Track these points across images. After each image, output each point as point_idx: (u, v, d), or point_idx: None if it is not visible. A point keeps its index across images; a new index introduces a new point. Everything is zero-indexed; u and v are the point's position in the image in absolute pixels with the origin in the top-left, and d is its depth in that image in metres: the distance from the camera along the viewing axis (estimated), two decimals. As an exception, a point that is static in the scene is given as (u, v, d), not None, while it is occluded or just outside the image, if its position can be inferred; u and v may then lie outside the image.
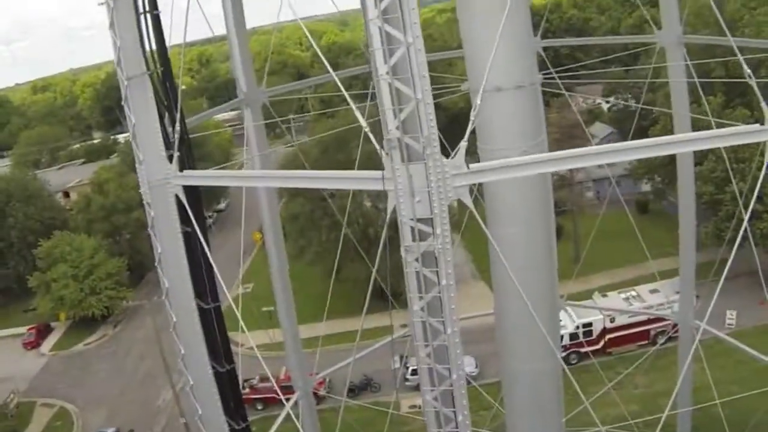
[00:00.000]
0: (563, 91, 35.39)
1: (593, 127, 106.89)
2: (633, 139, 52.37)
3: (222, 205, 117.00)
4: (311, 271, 73.55)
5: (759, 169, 14.24)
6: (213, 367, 19.87)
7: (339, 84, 15.76)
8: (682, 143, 14.45)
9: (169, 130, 17.60)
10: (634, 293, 65.17)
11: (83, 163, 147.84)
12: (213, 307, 19.51)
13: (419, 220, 14.14)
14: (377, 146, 13.81)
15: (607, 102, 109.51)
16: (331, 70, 17.11)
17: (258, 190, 27.03)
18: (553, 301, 23.85)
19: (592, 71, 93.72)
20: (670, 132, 35.51)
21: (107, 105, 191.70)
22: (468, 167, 14.16)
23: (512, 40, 19.44)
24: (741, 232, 15.94)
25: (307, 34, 16.76)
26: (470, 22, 20.09)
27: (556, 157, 14.76)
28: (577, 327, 63.69)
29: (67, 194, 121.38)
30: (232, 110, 31.60)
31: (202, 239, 18.00)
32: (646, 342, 62.99)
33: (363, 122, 13.90)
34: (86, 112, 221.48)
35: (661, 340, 57.13)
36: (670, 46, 28.93)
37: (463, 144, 14.07)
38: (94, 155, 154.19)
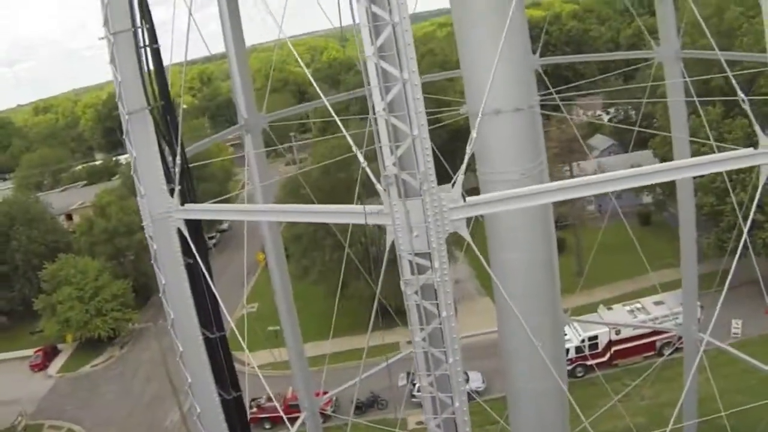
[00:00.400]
0: (561, 112, 35.26)
1: (593, 139, 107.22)
2: (633, 150, 53.02)
3: (225, 225, 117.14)
4: (315, 290, 73.78)
5: (759, 178, 14.34)
6: (219, 395, 20.00)
7: (331, 110, 15.91)
8: (677, 170, 14.58)
9: (170, 162, 17.75)
10: (638, 305, 65.26)
11: (85, 185, 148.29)
12: (218, 336, 19.63)
13: (417, 254, 14.26)
14: (375, 181, 13.95)
15: (608, 113, 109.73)
16: (323, 97, 17.28)
17: (256, 188, 27.17)
18: (557, 321, 23.90)
19: (592, 79, 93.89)
20: (670, 144, 35.65)
21: (109, 126, 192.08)
22: (465, 200, 14.28)
23: (511, 63, 19.61)
24: (741, 243, 15.93)
25: (295, 54, 16.86)
26: (468, 45, 20.27)
27: (553, 188, 14.86)
28: (583, 340, 63.79)
29: (69, 217, 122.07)
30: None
31: (204, 270, 18.12)
32: (653, 353, 63.17)
33: (360, 157, 14.07)
34: (88, 133, 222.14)
35: (667, 351, 57.35)
36: (668, 61, 29.17)
37: (460, 177, 14.22)
38: (96, 177, 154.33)
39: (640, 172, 14.49)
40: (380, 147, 13.65)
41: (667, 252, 66.08)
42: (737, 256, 16.22)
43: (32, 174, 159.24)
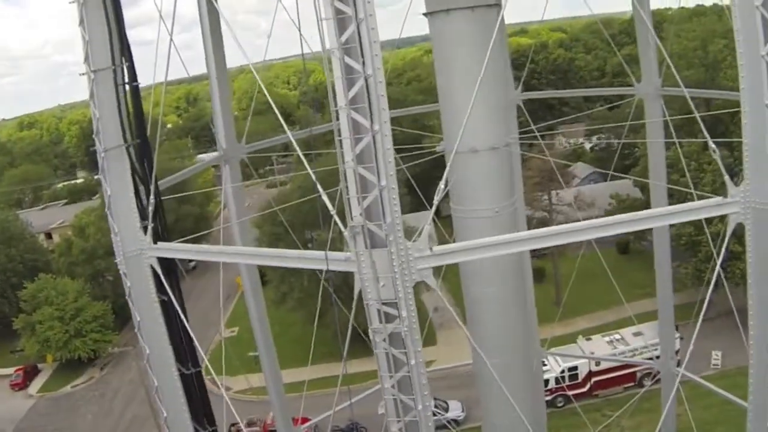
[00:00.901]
0: (544, 142, 35.42)
1: (575, 167, 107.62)
2: (613, 178, 53.30)
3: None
4: (294, 316, 73.85)
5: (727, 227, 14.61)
6: (196, 429, 20.05)
7: (297, 148, 16.04)
8: (644, 220, 14.78)
9: (145, 200, 17.84)
10: (618, 336, 65.47)
11: (66, 203, 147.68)
12: (193, 372, 19.70)
13: (385, 303, 14.35)
14: (342, 228, 14.06)
15: (590, 142, 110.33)
16: (290, 134, 17.26)
17: (234, 238, 27.20)
18: (529, 356, 24.17)
19: (575, 115, 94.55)
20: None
21: (93, 144, 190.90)
22: (432, 249, 14.41)
23: (488, 102, 19.94)
24: (715, 274, 16.07)
25: (259, 80, 16.83)
26: (446, 84, 20.55)
27: (522, 237, 15.15)
28: (563, 371, 63.93)
29: (49, 235, 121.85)
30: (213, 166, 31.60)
31: (178, 308, 18.20)
32: (633, 384, 63.41)
33: (327, 202, 14.15)
34: (72, 150, 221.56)
35: (647, 382, 57.48)
36: (648, 98, 29.34)
37: (427, 227, 14.35)
38: (77, 195, 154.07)
39: (606, 222, 14.71)
40: (347, 198, 13.77)
41: (646, 281, 66.04)
42: (711, 287, 16.28)
43: (13, 191, 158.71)
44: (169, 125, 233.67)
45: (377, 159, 13.48)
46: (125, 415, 75.82)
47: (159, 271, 17.99)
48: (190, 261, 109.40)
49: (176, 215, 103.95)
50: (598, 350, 64.29)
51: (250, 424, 66.47)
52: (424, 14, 20.72)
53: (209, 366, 21.42)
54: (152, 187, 17.50)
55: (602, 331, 68.77)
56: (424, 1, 20.60)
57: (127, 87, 17.25)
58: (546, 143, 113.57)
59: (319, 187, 14.60)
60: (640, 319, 60.43)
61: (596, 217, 61.49)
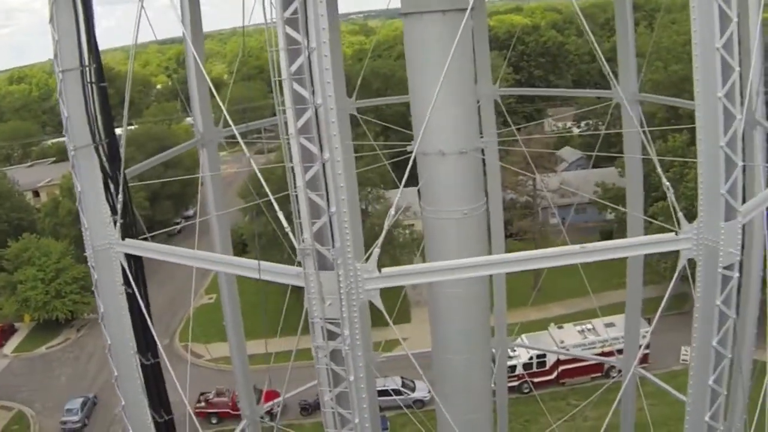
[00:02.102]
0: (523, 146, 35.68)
1: (563, 151, 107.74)
2: (602, 164, 53.64)
3: (190, 212, 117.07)
4: (274, 288, 73.92)
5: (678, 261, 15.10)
6: (153, 418, 20.38)
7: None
8: (598, 252, 15.15)
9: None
10: (589, 326, 65.92)
11: (54, 161, 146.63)
12: (152, 363, 20.03)
13: (329, 321, 14.65)
14: (294, 244, 14.32)
15: (578, 126, 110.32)
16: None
17: (212, 226, 27.43)
18: (488, 354, 24.65)
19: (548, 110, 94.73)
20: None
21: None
22: (380, 271, 14.68)
23: (457, 107, 20.25)
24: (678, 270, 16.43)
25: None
26: (417, 87, 20.87)
27: (474, 263, 15.49)
28: (531, 357, 64.42)
29: (36, 193, 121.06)
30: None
31: (141, 303, 18.49)
32: (600, 374, 63.91)
33: (286, 224, 14.40)
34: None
35: (614, 373, 58.02)
36: (626, 102, 29.51)
37: (377, 250, 14.60)
38: (66, 154, 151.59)
39: (556, 253, 15.18)
40: (299, 222, 14.02)
41: (626, 271, 66.81)
42: (672, 283, 16.58)
43: (1, 147, 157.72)
44: (158, 86, 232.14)
45: (327, 186, 13.70)
46: (98, 378, 75.89)
47: (125, 265, 18.27)
48: (176, 224, 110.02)
49: (163, 182, 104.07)
50: (569, 339, 64.87)
51: (219, 394, 66.89)
52: (401, 14, 20.99)
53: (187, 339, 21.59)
54: (120, 186, 17.70)
55: (576, 318, 69.30)
56: (401, 3, 20.86)
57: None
58: (536, 119, 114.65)
59: (275, 205, 14.86)
60: (616, 309, 61.04)
61: (579, 204, 62.12)
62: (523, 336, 62.73)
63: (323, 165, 13.53)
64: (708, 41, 13.56)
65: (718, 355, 15.33)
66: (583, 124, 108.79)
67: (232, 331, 29.15)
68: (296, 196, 13.89)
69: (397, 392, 59.04)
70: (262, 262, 15.24)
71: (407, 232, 74.66)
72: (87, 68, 17.07)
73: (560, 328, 67.64)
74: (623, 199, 75.54)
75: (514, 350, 60.87)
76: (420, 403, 61.78)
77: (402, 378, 62.07)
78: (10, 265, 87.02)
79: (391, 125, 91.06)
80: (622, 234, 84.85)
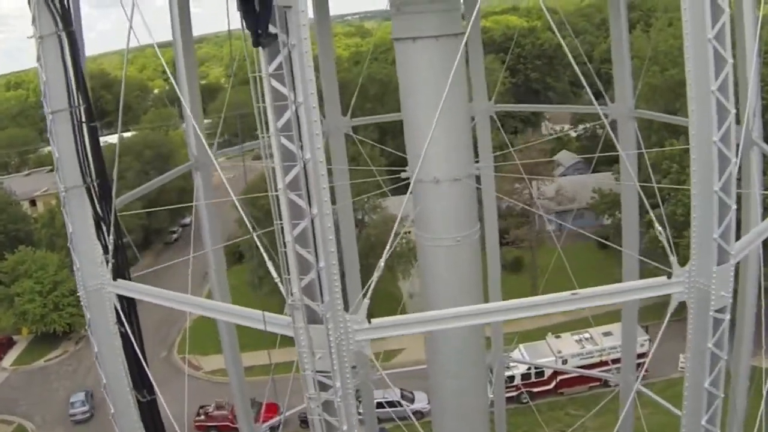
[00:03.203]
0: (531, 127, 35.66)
1: (560, 155, 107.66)
2: (596, 168, 53.62)
3: (187, 220, 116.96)
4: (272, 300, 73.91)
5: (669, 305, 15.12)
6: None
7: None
8: (589, 298, 15.12)
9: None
10: (587, 335, 65.80)
11: (51, 170, 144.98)
12: (149, 399, 19.94)
13: (320, 372, 14.56)
14: (286, 295, 14.22)
15: (575, 131, 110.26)
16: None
17: (202, 223, 27.25)
18: (483, 370, 24.69)
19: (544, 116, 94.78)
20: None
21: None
22: (370, 322, 14.61)
23: (452, 134, 20.23)
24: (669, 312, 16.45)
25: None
26: (412, 112, 20.90)
27: (468, 313, 15.48)
28: (529, 368, 64.28)
29: (33, 203, 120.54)
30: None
31: (134, 343, 18.41)
32: (598, 384, 63.75)
33: (275, 275, 14.30)
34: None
35: (613, 383, 57.93)
36: (622, 119, 29.44)
37: (366, 301, 14.52)
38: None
39: (549, 300, 15.20)
40: (287, 278, 13.94)
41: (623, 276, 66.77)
42: (665, 322, 16.47)
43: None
44: (155, 90, 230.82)
45: (316, 242, 13.62)
46: (97, 392, 75.59)
47: (118, 306, 18.17)
48: (173, 233, 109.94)
49: (160, 188, 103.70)
50: (567, 349, 64.84)
51: (218, 407, 66.85)
52: (393, 39, 20.95)
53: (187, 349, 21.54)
54: (111, 227, 17.58)
55: (575, 325, 68.84)
56: (393, 29, 20.83)
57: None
58: (534, 122, 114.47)
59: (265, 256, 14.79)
60: (614, 315, 60.93)
61: (577, 210, 61.96)
62: (521, 346, 62.77)
63: (312, 221, 13.45)
64: (703, 83, 13.38)
65: (711, 395, 15.26)
66: (580, 127, 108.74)
67: (227, 345, 28.97)
68: (284, 251, 13.80)
69: (396, 404, 59.01)
70: (252, 311, 15.16)
71: (404, 241, 74.61)
72: (76, 108, 16.96)
73: (558, 337, 67.51)
74: (620, 205, 75.66)
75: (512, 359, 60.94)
76: (419, 414, 61.69)
77: (401, 389, 62.05)
78: (7, 277, 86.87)
79: (388, 133, 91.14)
80: (619, 239, 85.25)
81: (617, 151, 19.75)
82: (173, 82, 20.21)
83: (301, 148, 13.02)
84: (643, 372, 25.99)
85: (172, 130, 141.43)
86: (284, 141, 13.07)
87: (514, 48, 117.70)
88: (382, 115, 41.22)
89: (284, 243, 13.64)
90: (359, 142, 34.96)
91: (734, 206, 13.97)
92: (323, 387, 14.53)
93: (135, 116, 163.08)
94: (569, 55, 16.20)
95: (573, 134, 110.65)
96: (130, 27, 16.59)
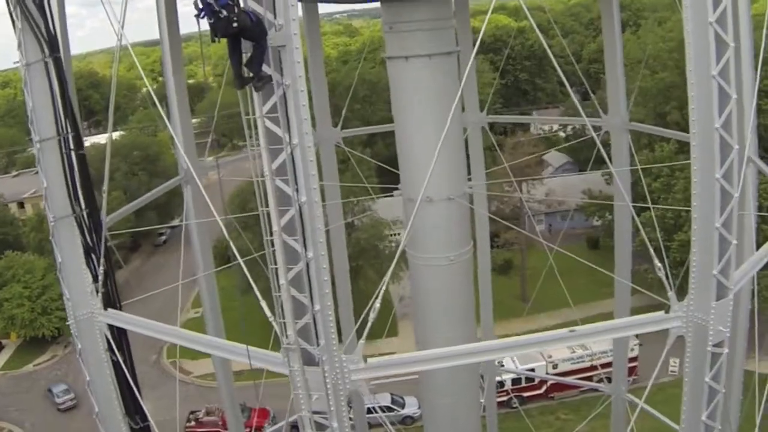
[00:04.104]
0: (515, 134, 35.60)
1: (549, 156, 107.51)
2: (588, 168, 53.36)
3: (175, 221, 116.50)
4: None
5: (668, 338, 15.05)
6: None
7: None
8: (588, 335, 15.08)
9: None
10: (578, 339, 65.64)
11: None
12: (141, 426, 19.80)
13: (317, 413, 14.40)
14: (281, 337, 14.04)
15: (564, 131, 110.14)
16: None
17: (196, 265, 27.20)
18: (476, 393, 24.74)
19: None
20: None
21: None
22: (366, 362, 14.46)
23: (445, 153, 20.03)
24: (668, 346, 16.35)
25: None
26: (404, 131, 20.82)
27: (464, 351, 15.35)
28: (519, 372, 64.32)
29: (21, 205, 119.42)
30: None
31: (126, 371, 18.24)
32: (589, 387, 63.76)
33: (269, 314, 14.13)
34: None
35: (604, 386, 57.98)
36: (615, 131, 29.34)
37: (361, 342, 14.37)
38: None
39: (554, 336, 14.88)
40: (282, 322, 13.76)
41: (613, 280, 66.66)
42: (663, 355, 16.36)
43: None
44: (144, 89, 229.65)
45: (311, 284, 13.44)
46: (87, 395, 75.37)
47: (109, 335, 17.99)
48: (161, 235, 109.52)
49: (147, 189, 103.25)
50: (557, 353, 64.82)
51: (208, 413, 66.55)
52: (386, 58, 20.81)
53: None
54: (101, 257, 17.37)
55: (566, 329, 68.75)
56: (385, 47, 20.67)
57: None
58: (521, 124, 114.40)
59: (259, 297, 14.62)
60: (603, 320, 60.75)
61: (566, 211, 61.86)
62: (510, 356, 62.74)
63: (307, 264, 13.28)
64: (708, 121, 13.20)
65: (708, 428, 15.17)
66: (569, 128, 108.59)
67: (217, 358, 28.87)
68: (279, 296, 13.63)
69: (387, 409, 58.97)
70: (253, 348, 14.95)
71: (393, 245, 74.56)
72: (65, 137, 16.69)
73: (548, 341, 67.37)
74: (610, 206, 75.29)
75: (502, 365, 60.79)
76: (410, 419, 61.69)
77: (391, 394, 62.01)
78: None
79: (377, 133, 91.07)
80: (609, 240, 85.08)
81: (607, 154, 19.42)
82: (164, 117, 19.63)
83: (297, 190, 12.85)
84: (631, 369, 25.76)
85: (161, 131, 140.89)
86: (279, 183, 12.88)
87: (503, 49, 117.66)
88: (373, 126, 41.12)
89: (278, 286, 13.43)
90: (350, 154, 34.77)
91: (735, 242, 13.84)
92: (319, 426, 14.39)
93: (123, 116, 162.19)
94: (556, 63, 15.77)
95: (562, 135, 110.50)
96: (122, 28, 16.20)
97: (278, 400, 32.84)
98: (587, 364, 62.33)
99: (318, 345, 13.82)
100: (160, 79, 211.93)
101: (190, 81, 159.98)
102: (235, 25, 11.91)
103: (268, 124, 12.73)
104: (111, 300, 18.10)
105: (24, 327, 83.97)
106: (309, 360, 14.02)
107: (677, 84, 76.74)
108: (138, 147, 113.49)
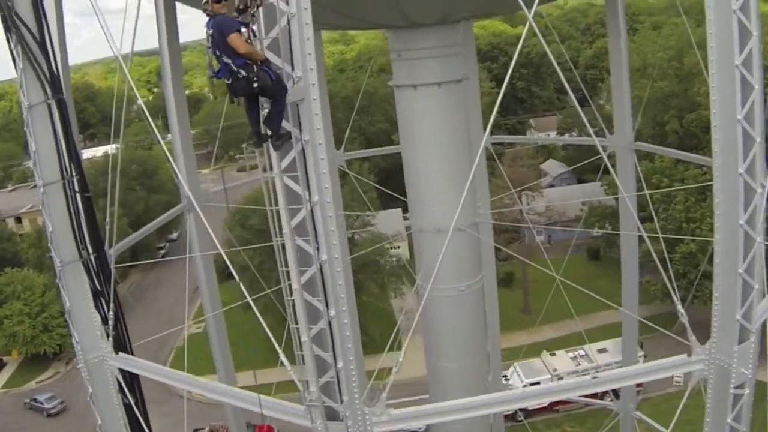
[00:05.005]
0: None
1: (546, 165, 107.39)
2: (585, 179, 53.23)
3: (174, 235, 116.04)
4: (265, 318, 73.32)
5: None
6: None
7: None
8: (611, 382, 14.89)
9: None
10: (582, 352, 65.42)
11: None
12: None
13: None
14: (302, 392, 13.79)
15: (561, 142, 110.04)
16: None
17: (191, 240, 26.80)
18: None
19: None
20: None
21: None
22: (389, 414, 14.23)
23: (453, 185, 19.91)
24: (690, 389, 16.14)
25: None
26: (413, 160, 20.59)
27: (486, 402, 15.17)
28: (525, 386, 63.90)
29: (19, 220, 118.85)
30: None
31: (139, 414, 17.97)
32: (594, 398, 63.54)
33: (287, 363, 13.88)
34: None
35: (608, 398, 57.90)
36: (621, 151, 29.13)
37: (383, 396, 14.19)
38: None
39: (572, 385, 14.72)
40: (305, 381, 13.52)
41: (615, 290, 66.34)
42: (683, 401, 16.20)
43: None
44: (139, 100, 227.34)
45: (334, 342, 13.21)
46: (90, 412, 74.82)
47: (120, 379, 17.70)
48: (160, 249, 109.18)
49: (145, 204, 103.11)
50: (562, 366, 64.51)
51: (212, 431, 65.98)
52: (393, 86, 20.56)
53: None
54: (111, 301, 17.07)
55: (568, 341, 68.62)
56: (393, 75, 20.42)
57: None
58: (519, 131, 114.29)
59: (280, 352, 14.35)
60: (606, 331, 60.74)
61: (570, 220, 61.28)
62: (516, 364, 62.58)
63: (330, 322, 13.01)
64: (732, 168, 12.93)
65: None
66: (567, 136, 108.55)
67: (221, 365, 28.58)
68: (302, 355, 13.37)
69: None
70: (265, 398, 14.69)
71: (394, 260, 74.38)
72: (70, 180, 16.34)
73: (553, 355, 67.26)
74: (610, 216, 74.91)
75: (508, 378, 60.64)
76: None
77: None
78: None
79: (374, 144, 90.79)
80: (609, 251, 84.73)
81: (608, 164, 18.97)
82: (172, 165, 19.34)
83: (318, 250, 12.60)
84: (638, 389, 25.53)
85: (156, 146, 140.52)
86: (300, 242, 12.63)
87: (500, 57, 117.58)
88: (376, 149, 40.82)
89: (300, 345, 13.16)
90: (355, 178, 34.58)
91: (757, 286, 13.63)
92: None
93: (120, 127, 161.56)
94: (560, 73, 15.46)
95: (559, 144, 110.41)
96: (133, 46, 15.89)
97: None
98: (592, 377, 61.95)
99: (341, 402, 13.55)
100: (156, 90, 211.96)
101: (186, 92, 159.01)
102: (255, 85, 11.59)
103: (287, 181, 12.46)
104: (122, 343, 17.77)
105: (25, 344, 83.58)
106: (332, 415, 13.78)
107: (676, 93, 76.73)
108: (135, 161, 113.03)
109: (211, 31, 11.74)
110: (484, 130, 31.46)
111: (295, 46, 12.00)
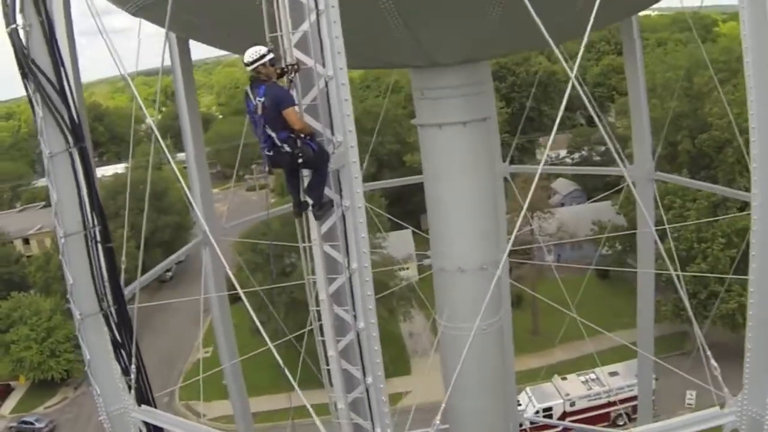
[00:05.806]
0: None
1: (556, 183, 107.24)
2: (594, 195, 53.21)
3: (182, 258, 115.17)
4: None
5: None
6: None
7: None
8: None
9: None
10: (593, 376, 65.38)
11: (45, 206, 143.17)
12: None
13: None
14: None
15: (572, 159, 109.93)
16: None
17: (206, 277, 26.68)
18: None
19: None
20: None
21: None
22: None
23: (478, 222, 19.80)
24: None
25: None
26: (437, 200, 20.44)
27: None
28: (537, 412, 63.82)
29: (26, 241, 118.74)
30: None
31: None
32: (607, 423, 63.39)
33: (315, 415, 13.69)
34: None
35: (621, 422, 57.98)
36: (640, 181, 28.98)
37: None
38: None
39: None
40: (331, 397, 13.34)
41: (625, 311, 66.12)
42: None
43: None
44: (148, 119, 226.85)
45: (363, 358, 12.91)
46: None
47: (144, 430, 17.45)
48: (167, 271, 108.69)
49: (155, 225, 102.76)
50: (573, 391, 64.59)
51: (221, 458, 65.65)
52: (417, 125, 20.37)
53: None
54: (133, 353, 16.86)
55: (579, 363, 68.35)
56: (416, 113, 20.25)
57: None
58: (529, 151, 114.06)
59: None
60: (617, 353, 60.40)
61: (579, 239, 60.98)
62: (528, 389, 62.45)
63: (359, 334, 12.72)
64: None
65: None
66: (577, 156, 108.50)
67: (234, 390, 28.52)
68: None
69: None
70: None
71: (404, 282, 74.24)
72: (92, 230, 16.13)
73: (564, 379, 67.17)
74: (619, 236, 74.41)
75: (520, 403, 60.40)
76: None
77: (408, 435, 61.47)
78: (1, 324, 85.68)
79: (385, 166, 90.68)
80: (619, 271, 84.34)
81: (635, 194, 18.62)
82: (189, 198, 19.20)
83: (355, 317, 12.38)
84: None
85: (166, 166, 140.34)
86: (337, 310, 12.43)
87: (508, 77, 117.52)
88: (392, 180, 40.66)
89: (327, 359, 12.94)
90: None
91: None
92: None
93: (128, 147, 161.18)
94: (581, 91, 15.09)
95: (569, 161, 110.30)
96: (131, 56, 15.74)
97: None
98: (605, 401, 61.93)
99: (371, 419, 13.26)
100: (164, 109, 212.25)
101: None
102: (300, 161, 11.40)
103: (327, 249, 12.23)
104: (143, 395, 17.53)
105: (33, 369, 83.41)
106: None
107: (686, 113, 76.65)
108: (144, 182, 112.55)
109: (262, 99, 11.40)
110: (503, 159, 31.63)
111: (335, 109, 11.79)
